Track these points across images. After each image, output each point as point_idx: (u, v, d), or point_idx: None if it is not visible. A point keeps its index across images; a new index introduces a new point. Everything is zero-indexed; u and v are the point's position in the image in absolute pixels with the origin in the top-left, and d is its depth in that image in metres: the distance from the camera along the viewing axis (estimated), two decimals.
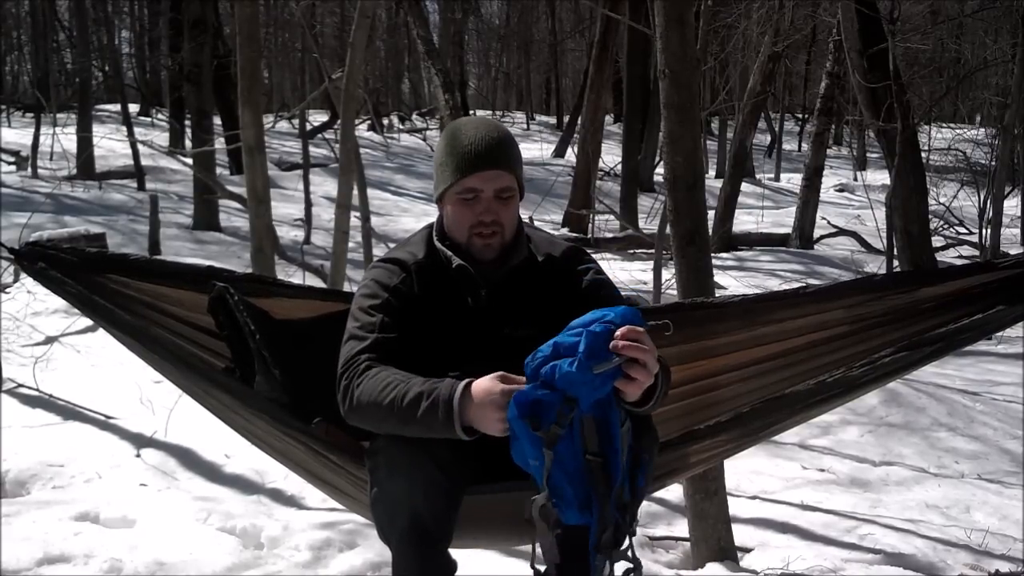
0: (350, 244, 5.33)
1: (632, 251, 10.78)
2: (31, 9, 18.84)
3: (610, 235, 11.28)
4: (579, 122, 14.34)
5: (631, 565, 1.74)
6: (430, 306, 1.98)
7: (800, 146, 23.32)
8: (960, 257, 10.79)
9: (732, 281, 8.90)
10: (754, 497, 3.88)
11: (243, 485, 3.75)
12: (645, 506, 3.38)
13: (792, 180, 17.69)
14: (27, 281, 6.08)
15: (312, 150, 13.04)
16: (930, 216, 8.79)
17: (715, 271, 3.74)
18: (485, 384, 1.74)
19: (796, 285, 3.37)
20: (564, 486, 1.69)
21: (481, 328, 1.96)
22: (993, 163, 11.08)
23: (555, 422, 1.65)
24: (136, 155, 13.36)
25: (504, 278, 2.01)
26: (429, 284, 1.99)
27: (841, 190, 17.82)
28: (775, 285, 8.74)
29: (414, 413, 1.75)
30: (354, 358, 1.89)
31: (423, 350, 1.94)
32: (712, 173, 17.57)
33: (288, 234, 10.11)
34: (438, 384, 1.77)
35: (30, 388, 4.73)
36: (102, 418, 4.42)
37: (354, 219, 5.57)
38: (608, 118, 17.12)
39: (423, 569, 1.86)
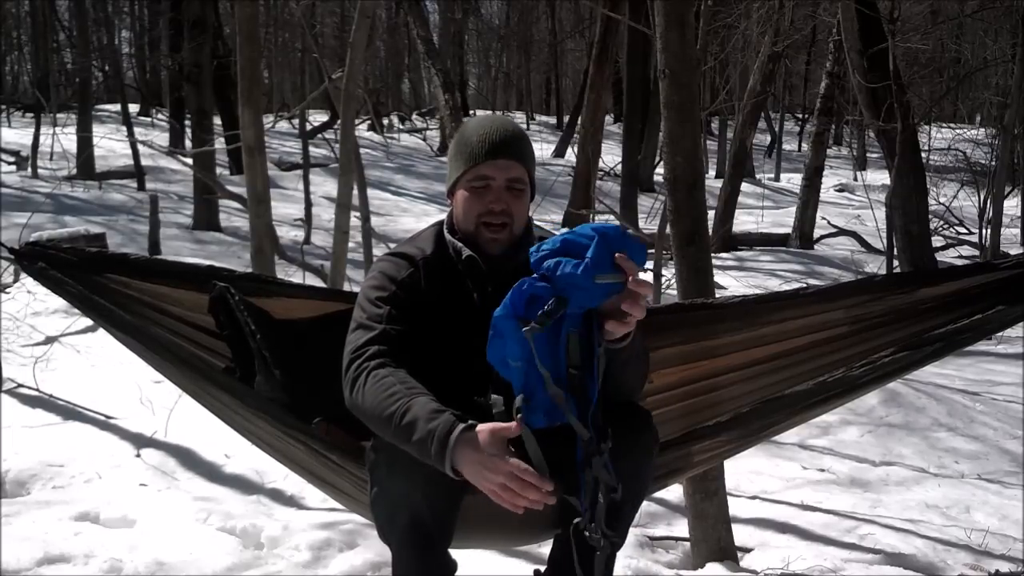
0: (350, 244, 5.33)
1: None
2: (31, 9, 18.84)
3: None
4: (579, 122, 14.34)
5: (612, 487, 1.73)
6: (436, 301, 1.97)
7: (800, 146, 23.33)
8: (960, 257, 10.79)
9: (732, 281, 8.89)
10: (754, 497, 3.87)
11: (243, 485, 3.74)
12: (645, 506, 3.38)
13: (792, 180, 17.69)
14: (27, 281, 6.08)
15: (312, 150, 13.04)
16: (930, 216, 8.80)
17: (715, 271, 3.74)
18: (482, 442, 1.69)
19: (796, 285, 3.38)
20: (537, 390, 1.70)
21: (487, 324, 1.96)
22: (993, 163, 11.09)
23: (544, 312, 1.66)
24: (136, 155, 13.37)
25: (512, 273, 2.00)
26: (436, 280, 1.99)
27: (841, 190, 17.81)
28: (775, 285, 8.74)
29: (409, 436, 1.74)
30: (363, 347, 1.89)
31: (429, 345, 1.93)
32: (712, 173, 17.56)
33: (288, 234, 10.11)
34: (438, 416, 1.73)
35: (30, 388, 4.73)
36: (102, 418, 4.41)
37: (354, 219, 5.57)
38: (608, 118, 17.11)
39: (423, 569, 1.87)
